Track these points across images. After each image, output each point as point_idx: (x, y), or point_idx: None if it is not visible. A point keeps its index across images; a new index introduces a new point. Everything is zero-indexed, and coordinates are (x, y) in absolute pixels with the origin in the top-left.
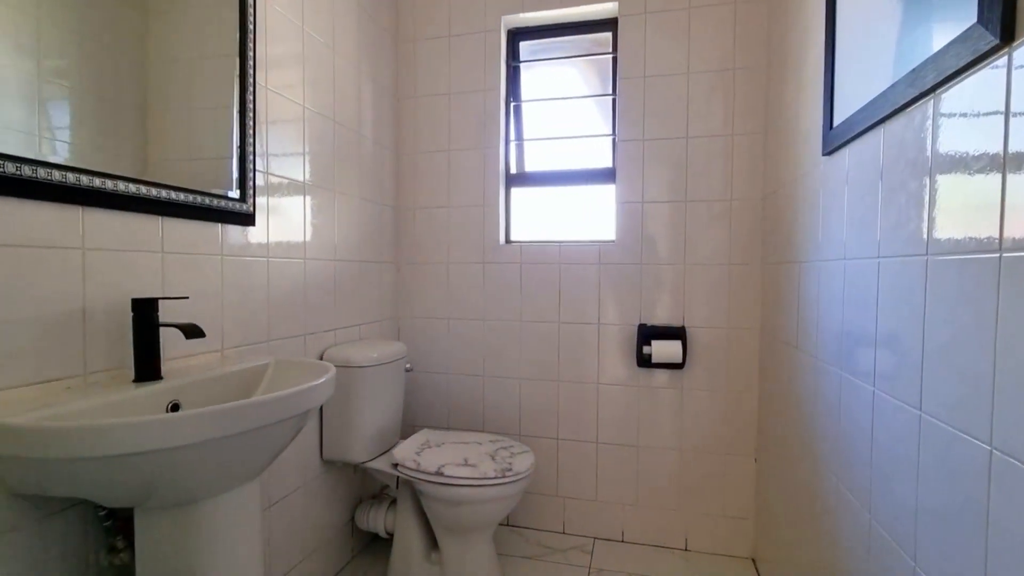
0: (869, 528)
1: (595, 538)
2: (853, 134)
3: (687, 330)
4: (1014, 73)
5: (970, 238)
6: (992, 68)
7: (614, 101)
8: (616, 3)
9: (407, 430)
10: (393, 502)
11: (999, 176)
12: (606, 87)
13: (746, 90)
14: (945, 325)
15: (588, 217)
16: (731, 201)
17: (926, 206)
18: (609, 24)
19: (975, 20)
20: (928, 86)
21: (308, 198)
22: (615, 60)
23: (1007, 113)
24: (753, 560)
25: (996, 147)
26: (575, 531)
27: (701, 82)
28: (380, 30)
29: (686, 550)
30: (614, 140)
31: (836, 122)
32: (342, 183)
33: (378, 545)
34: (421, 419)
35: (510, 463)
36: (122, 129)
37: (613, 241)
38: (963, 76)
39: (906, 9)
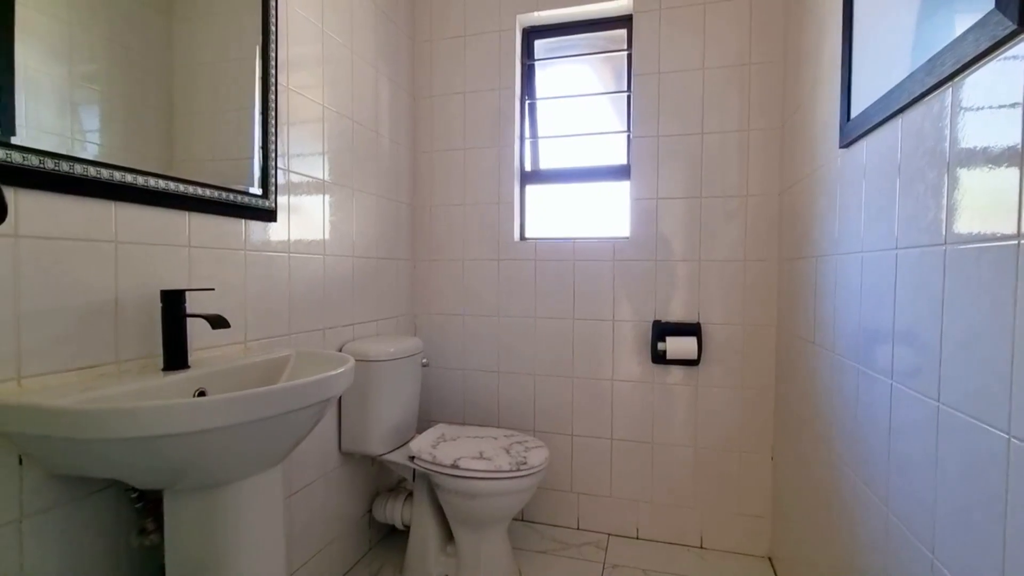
0: (886, 522)
1: (609, 534)
2: (870, 125)
3: (702, 327)
4: None
5: (988, 226)
6: (1010, 54)
7: (629, 98)
8: (631, 0)
9: (423, 425)
10: (410, 495)
11: (1017, 163)
12: (621, 84)
13: (762, 85)
14: (963, 314)
15: (602, 214)
16: (747, 197)
17: (944, 195)
18: (624, 21)
19: (993, 6)
20: (946, 74)
21: (327, 196)
22: (630, 57)
23: None
24: (770, 559)
25: (1015, 133)
26: (589, 527)
27: (717, 77)
28: (397, 30)
29: (702, 548)
30: (629, 137)
31: (853, 114)
32: (360, 181)
33: (395, 537)
34: (437, 414)
35: (525, 457)
36: (149, 131)
37: (627, 238)
38: (981, 63)
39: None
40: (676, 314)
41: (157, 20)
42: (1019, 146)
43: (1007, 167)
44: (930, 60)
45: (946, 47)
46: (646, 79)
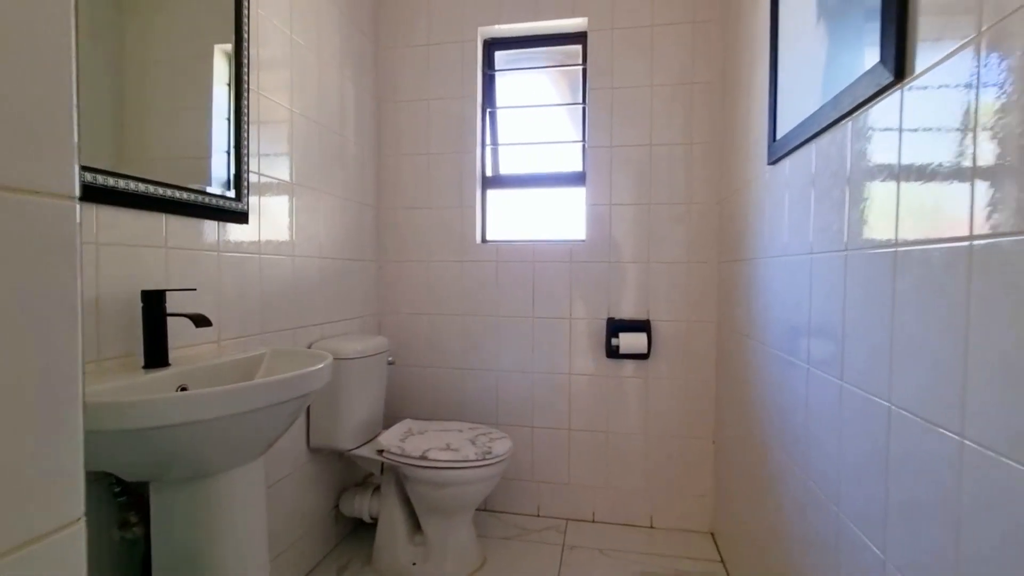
0: (805, 488)
1: (568, 519)
2: (792, 147)
3: (652, 323)
4: (905, 104)
5: (875, 234)
6: (891, 97)
7: (584, 109)
8: (585, 19)
9: (389, 421)
10: (377, 489)
11: (895, 185)
12: (576, 96)
13: (703, 103)
14: (858, 306)
15: (559, 218)
16: (690, 204)
17: (846, 209)
18: (579, 37)
19: (878, 59)
20: (846, 110)
21: (295, 198)
22: (584, 71)
23: (899, 136)
24: (712, 534)
25: (893, 158)
26: (549, 513)
27: (663, 94)
28: (362, 38)
29: (651, 527)
30: (584, 146)
31: (779, 135)
32: (327, 183)
33: (362, 531)
34: (403, 411)
35: (490, 447)
36: (99, 129)
37: (583, 241)
38: (872, 104)
39: (831, 45)
40: (628, 312)
41: (108, 15)
42: (896, 168)
43: (888, 184)
44: (836, 97)
45: (846, 88)
46: (600, 93)
